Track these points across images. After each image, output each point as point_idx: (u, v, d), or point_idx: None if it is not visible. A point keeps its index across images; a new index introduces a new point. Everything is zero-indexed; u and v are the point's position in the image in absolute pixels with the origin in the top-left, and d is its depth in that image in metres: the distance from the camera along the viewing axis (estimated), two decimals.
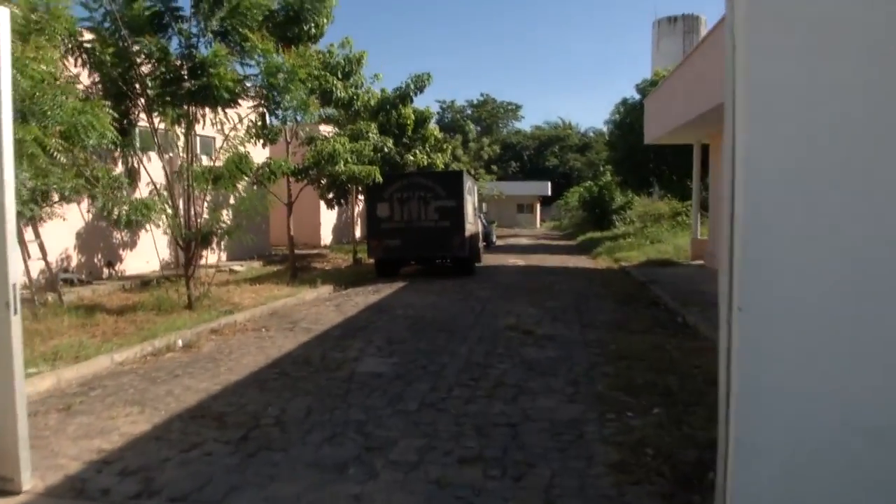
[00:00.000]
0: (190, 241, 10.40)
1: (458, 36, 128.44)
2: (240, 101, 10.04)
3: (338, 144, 15.53)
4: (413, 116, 21.44)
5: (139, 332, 8.22)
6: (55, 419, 5.13)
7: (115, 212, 8.56)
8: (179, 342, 8.06)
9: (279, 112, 11.13)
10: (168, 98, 9.48)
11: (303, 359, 7.32)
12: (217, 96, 8.96)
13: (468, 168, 42.33)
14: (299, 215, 19.61)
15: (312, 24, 13.09)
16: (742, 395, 2.74)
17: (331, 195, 20.59)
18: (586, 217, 40.45)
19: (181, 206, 10.38)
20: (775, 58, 2.75)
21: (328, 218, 27.71)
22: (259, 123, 11.07)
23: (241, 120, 10.54)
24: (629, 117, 30.24)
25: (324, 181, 18.41)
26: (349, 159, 15.74)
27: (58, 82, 6.65)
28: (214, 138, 10.84)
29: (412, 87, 20.74)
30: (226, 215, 11.70)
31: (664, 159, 28.80)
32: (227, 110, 10.06)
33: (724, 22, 3.00)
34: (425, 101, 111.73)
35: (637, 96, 30.70)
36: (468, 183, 17.70)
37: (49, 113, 6.10)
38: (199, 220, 10.50)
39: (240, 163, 10.60)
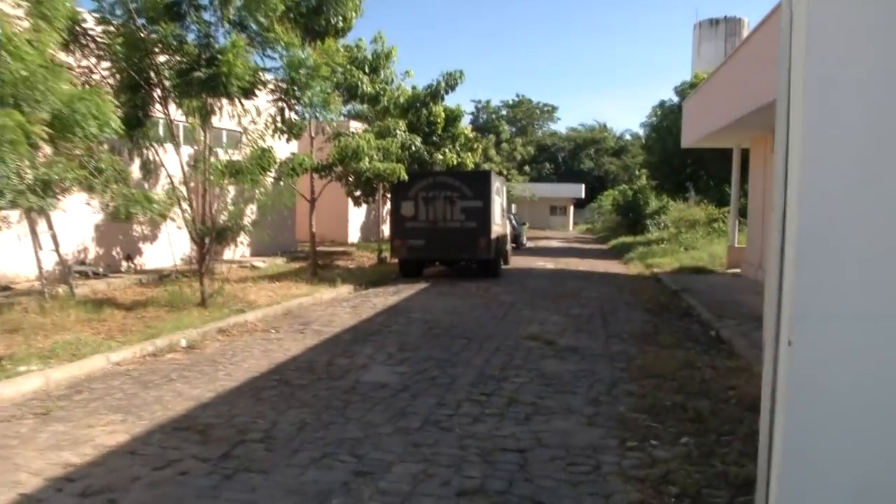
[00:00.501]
0: (204, 237, 10.09)
1: (496, 37, 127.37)
2: (255, 93, 9.69)
3: (362, 141, 15.14)
4: (444, 114, 20.98)
5: (145, 330, 7.94)
6: (29, 426, 4.80)
7: (113, 203, 8.26)
8: (183, 342, 7.74)
9: (299, 107, 10.78)
10: (184, 88, 9.17)
11: (307, 365, 6.92)
12: (227, 86, 8.61)
13: (500, 169, 41.73)
14: (327, 212, 19.35)
15: (340, 18, 12.73)
16: (788, 449, 2.24)
17: (357, 193, 20.26)
18: (620, 221, 39.56)
19: (196, 200, 10.07)
20: (840, 40, 2.25)
21: (356, 215, 27.44)
22: (278, 118, 10.72)
23: (259, 113, 10.21)
24: (666, 120, 29.33)
25: (350, 178, 18.08)
26: (374, 156, 15.35)
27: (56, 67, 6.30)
28: (241, 132, 10.53)
29: (443, 84, 20.29)
30: (249, 211, 11.39)
31: (701, 164, 27.85)
32: (245, 102, 9.72)
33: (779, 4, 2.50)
34: (459, 101, 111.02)
35: (675, 99, 29.77)
36: (496, 183, 17.16)
37: (40, 98, 5.80)
38: (214, 215, 10.18)
39: (261, 157, 10.27)
